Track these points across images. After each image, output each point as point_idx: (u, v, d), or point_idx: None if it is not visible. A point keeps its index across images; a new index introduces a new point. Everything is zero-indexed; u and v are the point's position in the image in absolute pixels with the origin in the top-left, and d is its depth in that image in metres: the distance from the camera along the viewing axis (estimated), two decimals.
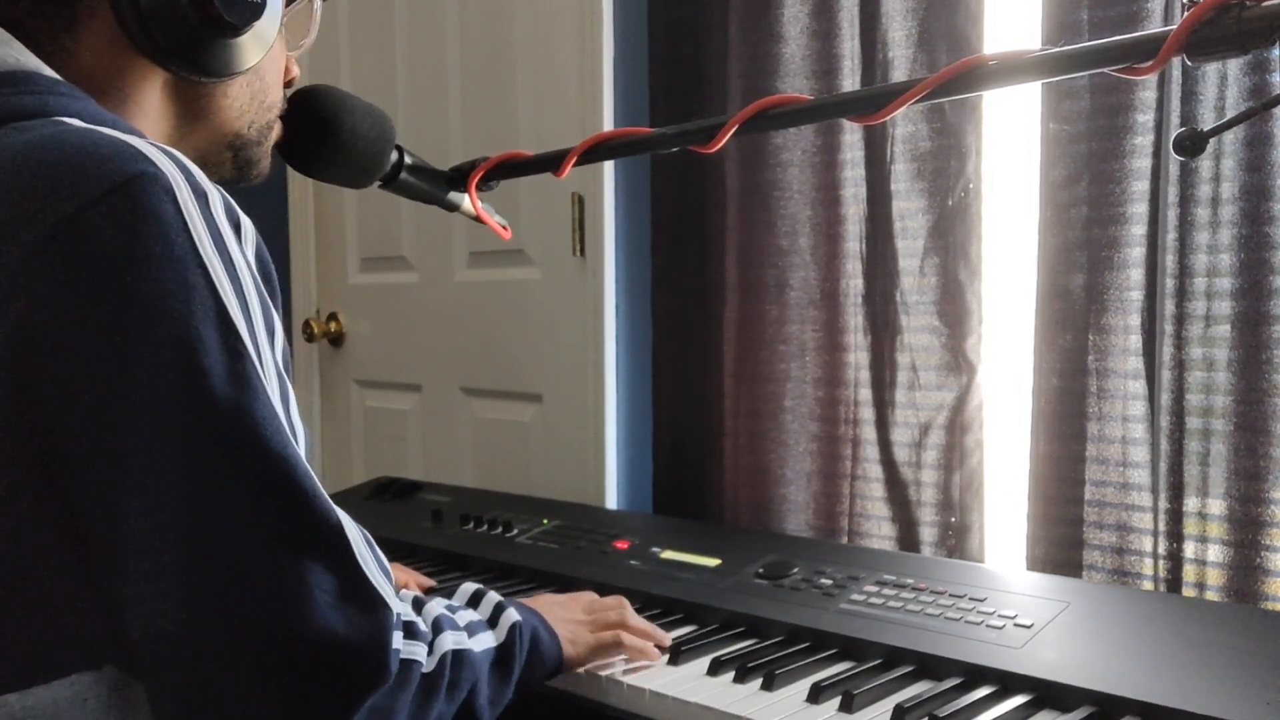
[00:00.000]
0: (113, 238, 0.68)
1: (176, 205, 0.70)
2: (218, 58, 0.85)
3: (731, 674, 1.17)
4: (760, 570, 1.42)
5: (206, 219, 0.72)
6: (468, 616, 0.98)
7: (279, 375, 0.76)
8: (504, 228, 1.23)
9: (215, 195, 0.75)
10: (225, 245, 0.73)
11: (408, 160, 1.13)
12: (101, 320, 0.68)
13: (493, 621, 1.01)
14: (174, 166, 0.72)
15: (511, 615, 1.03)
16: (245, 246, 0.76)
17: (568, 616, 1.16)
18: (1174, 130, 1.39)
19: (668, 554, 1.53)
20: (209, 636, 0.70)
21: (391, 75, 2.33)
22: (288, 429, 0.73)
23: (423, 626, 0.86)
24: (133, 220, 0.68)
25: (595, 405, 1.98)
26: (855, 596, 1.31)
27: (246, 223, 0.77)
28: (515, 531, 1.71)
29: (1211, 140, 0.90)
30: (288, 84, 0.98)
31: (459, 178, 1.17)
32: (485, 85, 2.15)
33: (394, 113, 1.15)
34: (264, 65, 0.90)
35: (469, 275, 2.24)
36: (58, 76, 0.80)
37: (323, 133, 1.05)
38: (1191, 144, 0.86)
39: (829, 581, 1.36)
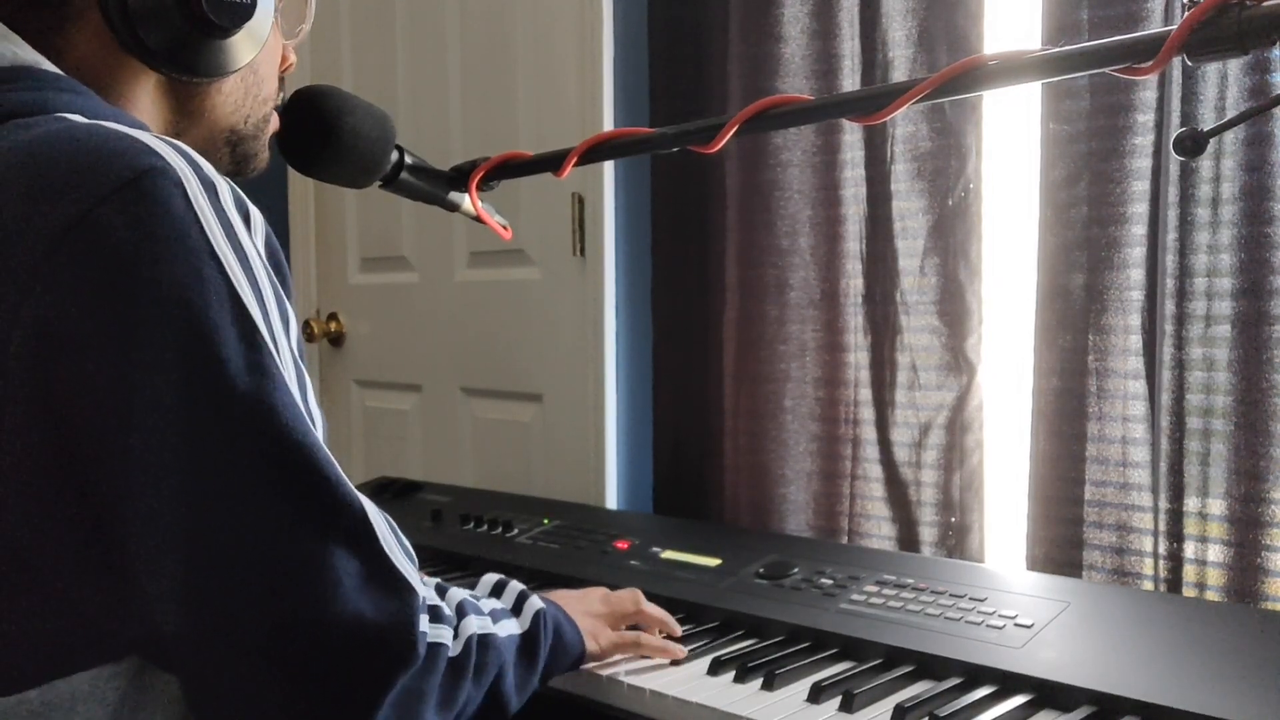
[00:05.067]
0: (125, 233, 0.68)
1: (187, 198, 0.70)
2: (209, 59, 0.84)
3: (732, 674, 1.17)
4: (760, 570, 1.42)
5: (217, 211, 0.72)
6: (491, 604, 0.98)
7: (295, 363, 0.76)
8: (504, 228, 1.23)
9: (224, 186, 0.74)
10: (236, 236, 0.73)
11: (408, 160, 1.13)
12: (117, 316, 0.67)
13: (516, 609, 1.01)
14: (182, 159, 0.72)
15: (535, 603, 1.03)
16: (255, 237, 0.76)
17: (586, 610, 1.16)
18: (1174, 130, 1.39)
19: (668, 554, 1.53)
20: (236, 627, 0.70)
21: (392, 75, 2.33)
22: (306, 417, 0.73)
23: (447, 611, 0.86)
24: (145, 215, 0.68)
25: (595, 405, 1.98)
26: (855, 596, 1.31)
27: (255, 213, 0.77)
28: (515, 531, 1.71)
29: (1212, 140, 0.90)
30: (284, 71, 0.97)
31: (459, 178, 1.17)
32: (485, 85, 2.15)
33: (394, 113, 1.15)
34: (258, 60, 0.90)
35: (469, 275, 2.24)
36: (57, 71, 0.80)
37: (324, 133, 1.05)
38: (1192, 144, 0.86)
39: (829, 581, 1.36)
